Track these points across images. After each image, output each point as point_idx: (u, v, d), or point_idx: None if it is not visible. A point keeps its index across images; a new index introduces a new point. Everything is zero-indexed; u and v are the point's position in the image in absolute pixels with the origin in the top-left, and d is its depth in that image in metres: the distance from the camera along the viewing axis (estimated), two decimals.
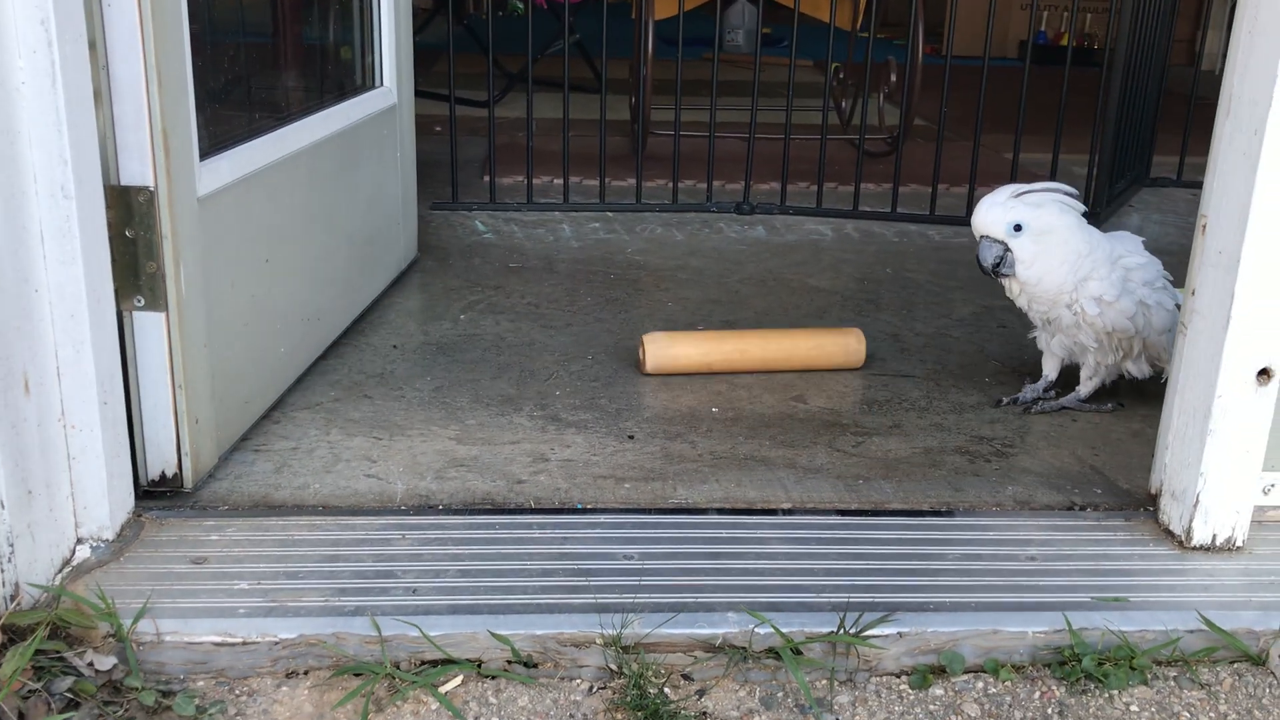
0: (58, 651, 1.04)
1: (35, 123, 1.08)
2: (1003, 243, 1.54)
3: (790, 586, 1.20)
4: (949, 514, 1.38)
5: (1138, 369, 1.63)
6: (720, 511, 1.36)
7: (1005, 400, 1.67)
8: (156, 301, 1.25)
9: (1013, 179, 2.69)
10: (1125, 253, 1.58)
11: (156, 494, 1.33)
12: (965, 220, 2.69)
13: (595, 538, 1.29)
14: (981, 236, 1.57)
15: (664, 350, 1.75)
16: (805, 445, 1.54)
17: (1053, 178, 2.71)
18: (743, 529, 1.32)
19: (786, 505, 1.38)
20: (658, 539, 1.29)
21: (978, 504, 1.41)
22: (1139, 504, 1.41)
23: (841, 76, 3.74)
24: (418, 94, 2.31)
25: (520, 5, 6.75)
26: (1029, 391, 1.69)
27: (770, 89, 3.06)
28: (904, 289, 2.23)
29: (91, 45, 1.14)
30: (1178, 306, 1.54)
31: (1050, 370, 1.69)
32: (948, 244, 2.57)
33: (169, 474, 1.33)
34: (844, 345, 1.79)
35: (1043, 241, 1.53)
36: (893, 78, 3.34)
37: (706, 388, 1.72)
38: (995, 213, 1.54)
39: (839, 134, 3.52)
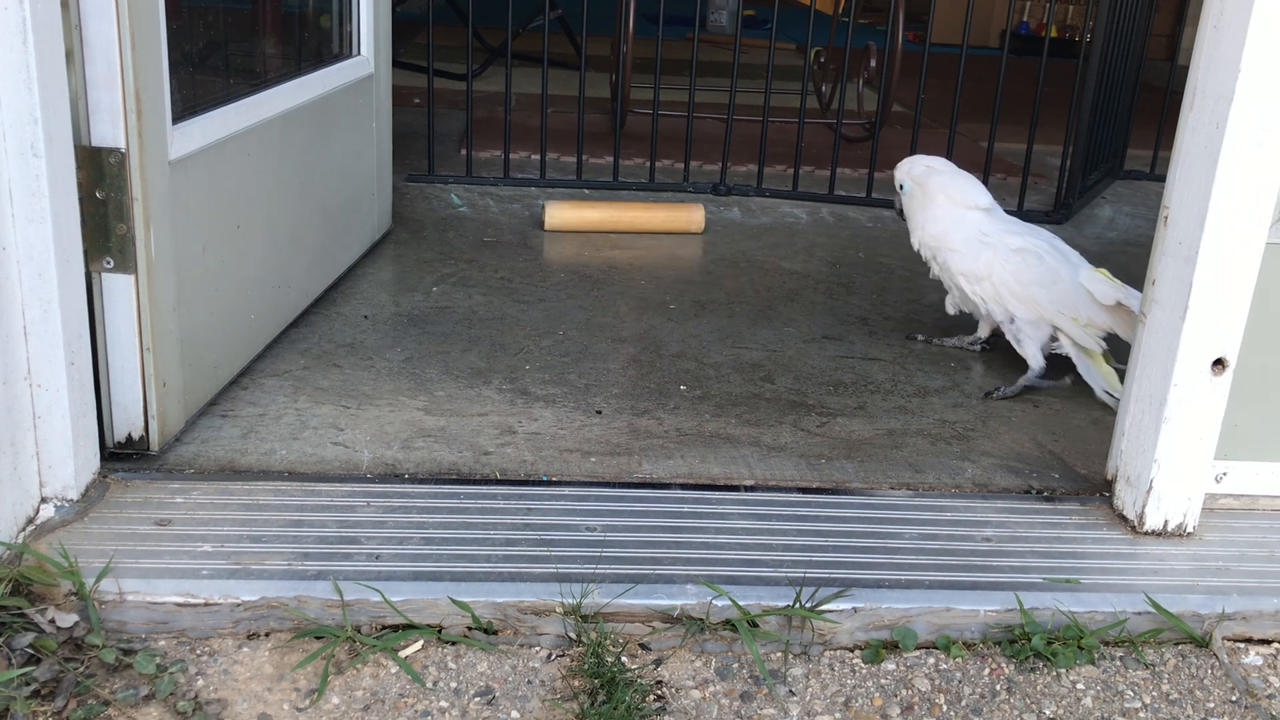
0: (19, 608, 1.04)
1: (5, 80, 1.07)
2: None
3: (749, 561, 1.22)
4: (909, 494, 1.40)
5: (1036, 331, 1.73)
6: (684, 487, 1.37)
7: (993, 393, 1.71)
8: (126, 263, 1.26)
9: (987, 167, 2.72)
10: (992, 221, 1.78)
11: (123, 456, 1.33)
12: None
13: (559, 509, 1.30)
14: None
15: (558, 213, 2.39)
16: (771, 424, 1.55)
17: (1026, 168, 2.73)
18: (705, 504, 1.33)
19: (749, 482, 1.40)
20: (620, 512, 1.31)
21: (937, 485, 1.43)
22: (1095, 489, 1.43)
23: (822, 61, 3.74)
24: (397, 65, 2.30)
25: None
26: (959, 341, 1.90)
27: (750, 71, 3.07)
28: (876, 273, 2.25)
29: (64, 4, 1.14)
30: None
31: (982, 330, 1.88)
32: None
33: (135, 436, 1.33)
34: (689, 217, 2.43)
35: (915, 199, 1.81)
36: (872, 63, 3.35)
37: (676, 366, 1.74)
38: (898, 171, 1.86)
39: (817, 118, 3.53)
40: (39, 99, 1.09)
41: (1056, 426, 1.61)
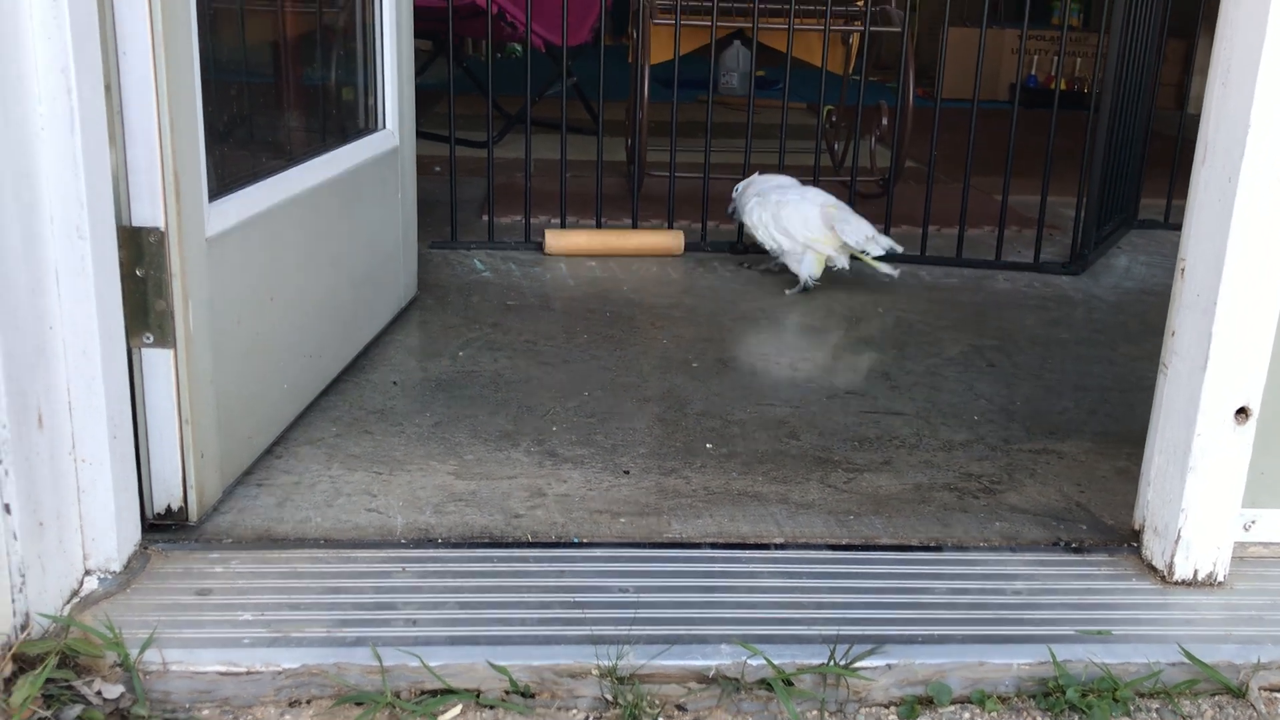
0: (67, 680, 1.06)
1: (54, 166, 1.12)
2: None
3: (782, 619, 1.23)
4: (937, 549, 1.41)
5: (795, 255, 2.51)
6: (714, 546, 1.39)
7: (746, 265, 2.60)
8: (165, 339, 1.29)
9: (1002, 220, 2.75)
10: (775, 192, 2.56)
11: (162, 526, 1.36)
12: (956, 260, 2.75)
13: (591, 571, 1.32)
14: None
15: (557, 240, 2.73)
16: (798, 481, 1.57)
17: (1041, 220, 2.76)
18: (736, 563, 1.35)
19: (779, 540, 1.41)
20: (652, 573, 1.32)
21: (965, 539, 1.44)
22: (1123, 540, 1.44)
23: (834, 119, 3.80)
24: (418, 135, 2.36)
25: (518, 48, 6.84)
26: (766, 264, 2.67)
27: (764, 131, 3.12)
28: (895, 328, 2.27)
29: (107, 89, 1.18)
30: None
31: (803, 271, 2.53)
32: (939, 284, 2.61)
33: (174, 507, 1.36)
34: (670, 241, 2.78)
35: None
36: (884, 120, 3.40)
37: (701, 424, 1.76)
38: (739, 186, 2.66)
39: (831, 175, 3.57)
40: (84, 183, 1.13)
41: (1081, 477, 1.62)
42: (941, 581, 1.33)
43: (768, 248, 2.54)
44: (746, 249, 2.76)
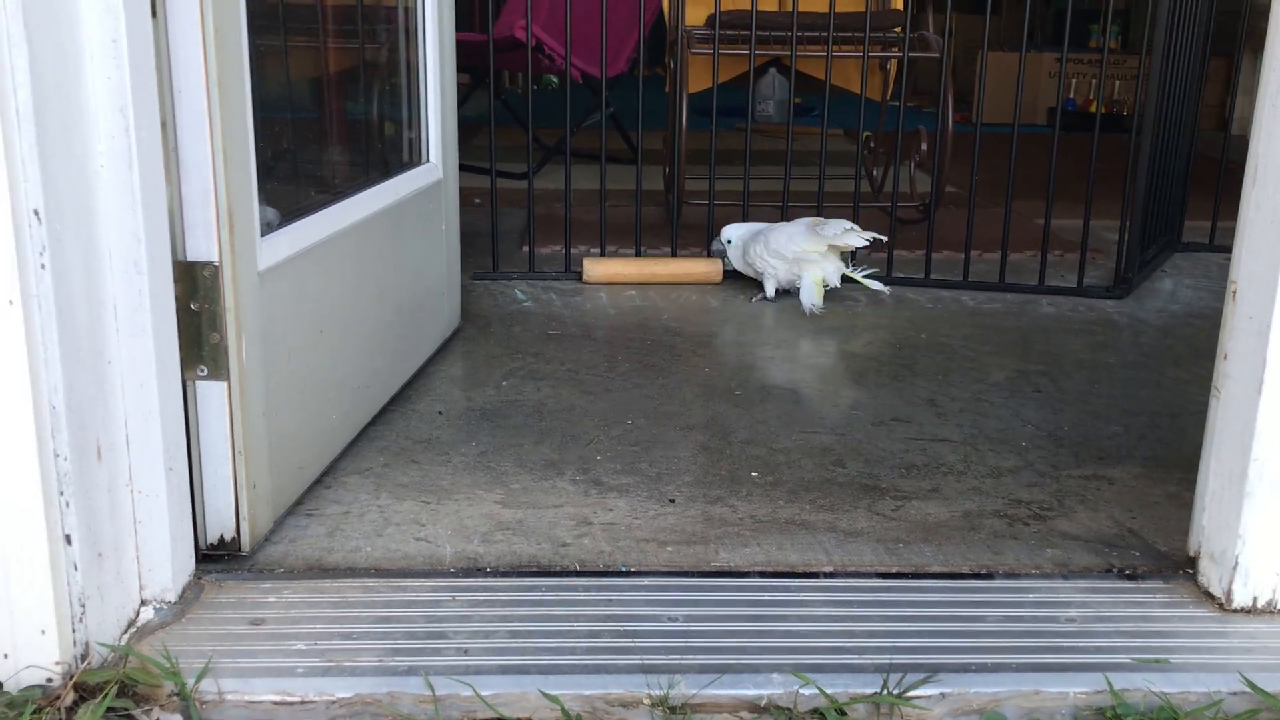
0: (126, 709, 1.08)
1: (112, 202, 1.14)
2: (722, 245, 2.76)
3: (834, 648, 1.22)
4: (989, 576, 1.40)
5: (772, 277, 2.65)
6: (763, 575, 1.38)
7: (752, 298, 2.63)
8: (219, 371, 1.31)
9: (1044, 244, 2.73)
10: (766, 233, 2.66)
11: (215, 557, 1.37)
12: (998, 285, 2.73)
13: (640, 600, 1.32)
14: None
15: (596, 268, 2.77)
16: (845, 509, 1.56)
17: (1084, 244, 2.74)
18: (785, 592, 1.34)
19: (828, 568, 1.40)
20: (701, 601, 1.32)
21: (1017, 567, 1.42)
22: (1178, 566, 1.42)
23: (872, 145, 3.80)
24: (460, 167, 2.38)
25: (554, 80, 6.90)
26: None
27: (802, 158, 3.12)
28: (939, 354, 2.26)
29: (163, 126, 1.21)
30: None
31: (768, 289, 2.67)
32: (981, 309, 2.60)
33: (227, 538, 1.37)
34: (708, 268, 2.80)
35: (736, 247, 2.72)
36: (923, 146, 3.40)
37: (746, 452, 1.75)
38: (725, 230, 2.77)
39: (871, 202, 3.57)
40: (142, 220, 1.15)
41: (1133, 503, 1.60)
42: (994, 609, 1.32)
43: (769, 278, 2.64)
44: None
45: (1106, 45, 2.85)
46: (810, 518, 1.54)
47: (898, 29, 3.23)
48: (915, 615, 1.30)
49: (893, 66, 3.49)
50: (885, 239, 2.66)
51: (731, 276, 2.80)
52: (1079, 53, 6.45)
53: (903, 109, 2.91)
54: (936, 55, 3.10)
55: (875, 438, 1.82)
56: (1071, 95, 6.29)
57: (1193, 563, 1.39)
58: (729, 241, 2.72)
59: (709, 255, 2.81)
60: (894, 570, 1.40)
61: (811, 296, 2.55)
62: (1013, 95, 2.65)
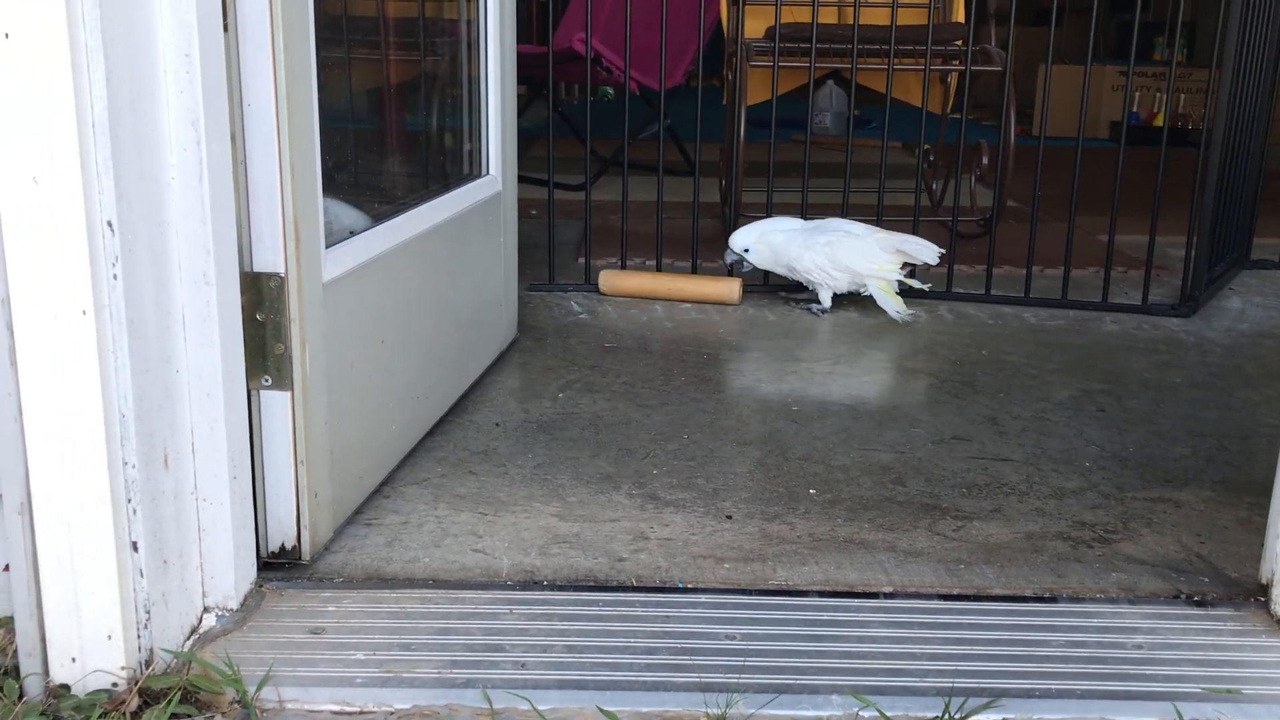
0: (189, 715, 1.09)
1: (182, 215, 1.16)
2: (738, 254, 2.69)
3: (893, 670, 1.20)
4: (1052, 600, 1.37)
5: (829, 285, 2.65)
6: (821, 594, 1.37)
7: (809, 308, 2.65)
8: (283, 381, 1.32)
9: (1108, 261, 2.69)
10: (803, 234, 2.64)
11: (276, 565, 1.39)
12: (1061, 302, 2.69)
13: (697, 617, 1.31)
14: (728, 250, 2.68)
15: (612, 280, 2.73)
16: (905, 528, 1.54)
17: (1149, 260, 2.69)
18: (844, 612, 1.33)
19: (888, 589, 1.39)
20: (759, 620, 1.31)
21: (1081, 590, 1.40)
22: (1248, 593, 1.38)
23: (932, 159, 3.77)
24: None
25: (610, 91, 6.93)
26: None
27: (860, 170, 3.10)
28: (1000, 371, 2.23)
29: (233, 139, 1.22)
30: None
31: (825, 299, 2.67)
32: (1043, 326, 2.56)
33: (288, 546, 1.38)
34: (724, 289, 2.69)
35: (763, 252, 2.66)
36: (984, 160, 3.36)
37: (804, 469, 1.74)
38: (734, 240, 2.69)
39: (930, 215, 3.54)
40: (211, 231, 1.17)
41: (1202, 527, 1.57)
42: (1057, 634, 1.29)
43: (825, 288, 2.64)
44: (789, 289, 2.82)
45: (1175, 58, 2.80)
46: (869, 537, 1.52)
47: (959, 42, 3.20)
48: (977, 638, 1.27)
49: (953, 79, 3.46)
50: (944, 251, 2.66)
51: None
52: (1143, 65, 6.35)
53: (964, 122, 2.88)
54: (999, 69, 3.07)
55: (936, 456, 1.80)
56: (1135, 109, 6.19)
57: (1265, 590, 1.35)
58: (746, 250, 2.66)
59: (730, 270, 2.75)
60: (955, 592, 1.38)
61: (895, 305, 2.58)
62: (1073, 108, 2.61)
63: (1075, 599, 1.38)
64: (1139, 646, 1.27)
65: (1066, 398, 2.09)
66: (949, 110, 3.63)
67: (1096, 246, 3.04)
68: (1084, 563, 1.46)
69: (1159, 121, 5.96)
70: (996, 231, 2.85)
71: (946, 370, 2.24)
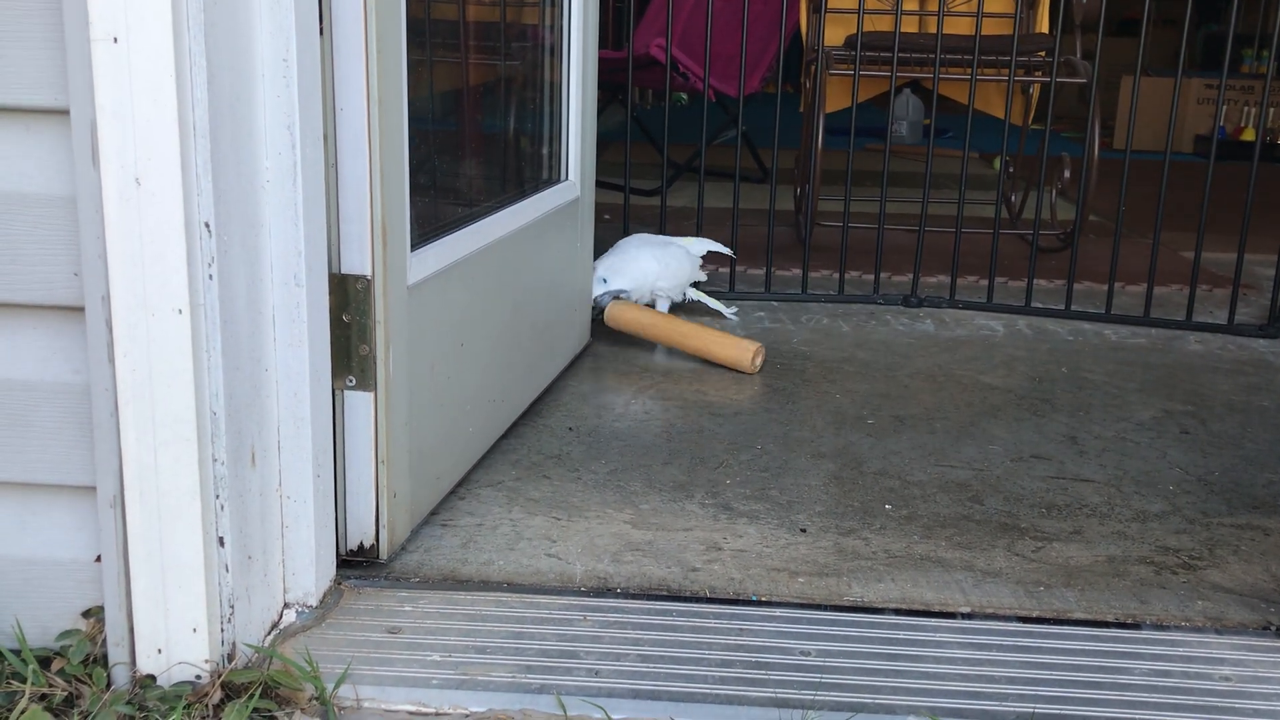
0: (269, 710, 1.10)
1: (276, 216, 1.18)
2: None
3: (972, 693, 1.19)
4: (1135, 626, 1.34)
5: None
6: (897, 612, 1.35)
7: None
8: (366, 382, 1.34)
9: (1193, 278, 2.63)
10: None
11: (354, 563, 1.40)
12: (1143, 320, 2.64)
13: (771, 631, 1.30)
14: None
15: (618, 313, 2.39)
16: (983, 548, 1.52)
17: (1237, 279, 2.63)
18: (921, 631, 1.31)
19: (965, 609, 1.37)
20: (834, 636, 1.29)
21: (1165, 618, 1.36)
22: None
23: (1011, 170, 3.71)
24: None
25: (684, 96, 6.92)
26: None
27: (936, 181, 3.07)
28: (1080, 389, 2.19)
29: (324, 140, 1.24)
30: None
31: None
32: (1124, 344, 2.51)
33: (366, 545, 1.40)
34: (736, 353, 2.25)
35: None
36: (1066, 173, 3.31)
37: (879, 484, 1.72)
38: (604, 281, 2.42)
39: (1008, 228, 3.49)
40: (303, 233, 1.19)
41: None
42: (1140, 662, 1.26)
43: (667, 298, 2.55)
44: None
45: (1271, 72, 2.73)
46: (946, 555, 1.50)
47: (1043, 53, 3.15)
48: (1057, 663, 1.25)
49: (1035, 90, 3.40)
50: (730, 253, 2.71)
51: (867, 300, 2.76)
52: (1231, 78, 6.21)
53: (1047, 134, 2.84)
54: (1083, 80, 3.01)
55: (1014, 474, 1.77)
56: (1222, 123, 6.05)
57: None
58: (624, 292, 2.41)
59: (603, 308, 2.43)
60: (1034, 614, 1.36)
61: (720, 304, 2.65)
62: (1157, 121, 2.56)
63: (1159, 626, 1.34)
64: (1226, 678, 1.24)
65: (1148, 418, 2.04)
66: (1030, 121, 3.58)
67: (1181, 263, 2.98)
68: (1168, 589, 1.43)
69: (1246, 136, 5.81)
70: (1078, 246, 2.79)
71: (1025, 386, 2.20)
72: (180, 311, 1.07)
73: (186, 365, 1.08)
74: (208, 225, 1.08)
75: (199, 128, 1.05)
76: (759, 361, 2.24)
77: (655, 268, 2.46)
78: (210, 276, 1.09)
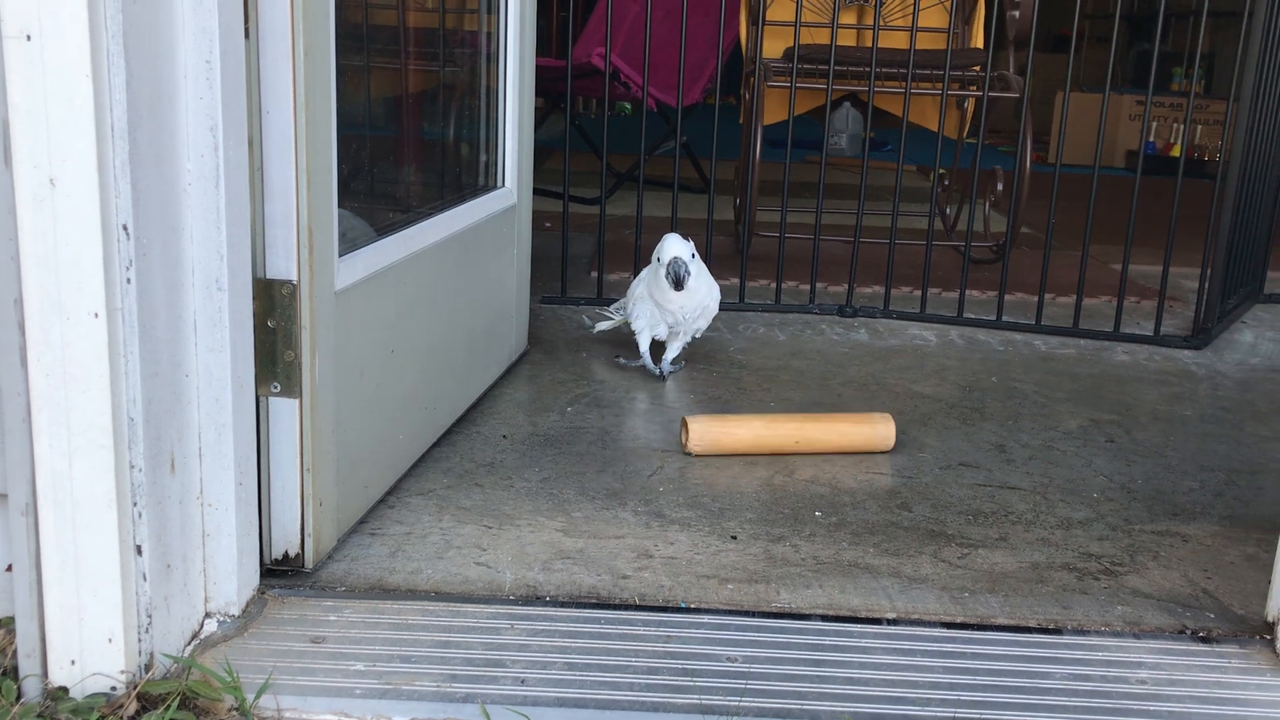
0: None
1: (198, 220, 1.16)
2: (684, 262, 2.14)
3: (895, 698, 1.20)
4: (1056, 631, 1.36)
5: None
6: (824, 618, 1.36)
7: (623, 361, 2.27)
8: (292, 388, 1.32)
9: (1121, 291, 2.68)
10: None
11: (279, 572, 1.39)
12: (1072, 330, 2.69)
13: (699, 638, 1.30)
14: (674, 258, 2.13)
15: (707, 431, 1.86)
16: (910, 554, 1.54)
17: (1163, 291, 2.69)
18: (847, 637, 1.32)
19: (891, 615, 1.38)
20: (761, 643, 1.30)
21: (1086, 623, 1.39)
22: (1255, 631, 1.37)
23: (946, 183, 3.76)
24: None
25: (628, 106, 6.94)
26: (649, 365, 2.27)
27: (874, 193, 3.10)
28: (1009, 399, 2.23)
29: (250, 145, 1.23)
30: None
31: (646, 347, 2.28)
32: (1054, 354, 2.56)
33: (291, 554, 1.38)
34: (871, 433, 1.90)
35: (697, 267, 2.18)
36: (999, 185, 3.36)
37: (810, 491, 1.73)
38: (682, 243, 2.15)
39: (943, 240, 3.53)
40: (225, 237, 1.17)
41: (1208, 562, 1.56)
42: (1061, 666, 1.28)
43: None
44: None
45: (1193, 90, 2.79)
46: (874, 561, 1.51)
47: (977, 68, 3.21)
48: (979, 668, 1.27)
49: (970, 104, 3.46)
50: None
51: (802, 310, 2.78)
52: (1160, 95, 6.35)
53: (980, 147, 2.88)
54: (1016, 95, 3.07)
55: (942, 482, 1.79)
56: (1151, 138, 6.18)
57: (1271, 628, 1.34)
58: (694, 256, 2.17)
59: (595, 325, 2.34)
60: (959, 620, 1.37)
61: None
62: (1090, 136, 2.61)
63: (1080, 631, 1.37)
64: (1143, 681, 1.26)
65: (1075, 427, 2.08)
66: (965, 135, 3.63)
67: (1110, 275, 3.04)
68: (1089, 595, 1.45)
69: (1175, 152, 5.95)
70: (1010, 258, 2.84)
71: (956, 396, 2.23)
72: (96, 315, 1.05)
73: (103, 370, 1.06)
74: (126, 228, 1.06)
75: (117, 129, 1.04)
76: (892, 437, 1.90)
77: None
78: (128, 280, 1.07)
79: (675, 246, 2.15)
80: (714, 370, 2.33)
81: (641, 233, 2.80)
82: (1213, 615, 1.41)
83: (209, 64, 1.13)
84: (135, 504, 1.10)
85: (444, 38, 2.04)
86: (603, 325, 2.32)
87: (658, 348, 2.31)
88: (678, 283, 2.12)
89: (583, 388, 2.17)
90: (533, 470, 1.77)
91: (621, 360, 2.19)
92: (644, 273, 2.31)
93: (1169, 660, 1.31)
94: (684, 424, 1.86)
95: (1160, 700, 1.22)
